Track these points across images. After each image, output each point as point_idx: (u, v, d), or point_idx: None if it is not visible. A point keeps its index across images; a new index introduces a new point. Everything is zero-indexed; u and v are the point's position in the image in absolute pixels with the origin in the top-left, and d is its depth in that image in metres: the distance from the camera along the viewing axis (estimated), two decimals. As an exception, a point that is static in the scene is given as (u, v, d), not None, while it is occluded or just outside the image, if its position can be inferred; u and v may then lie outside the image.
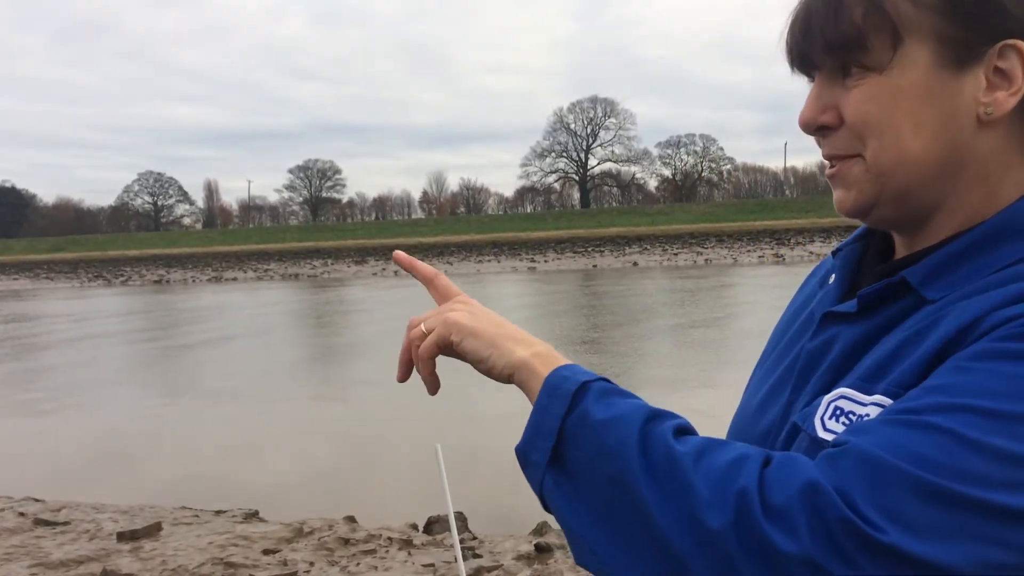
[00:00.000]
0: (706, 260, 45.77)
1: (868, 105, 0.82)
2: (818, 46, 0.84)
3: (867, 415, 0.77)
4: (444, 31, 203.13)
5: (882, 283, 0.85)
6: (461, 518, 6.04)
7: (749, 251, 47.81)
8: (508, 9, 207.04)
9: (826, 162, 0.89)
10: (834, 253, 1.01)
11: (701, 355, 13.76)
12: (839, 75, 0.85)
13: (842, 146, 0.85)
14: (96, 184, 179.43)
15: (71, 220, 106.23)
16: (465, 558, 5.23)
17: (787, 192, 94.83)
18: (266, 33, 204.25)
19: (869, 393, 0.78)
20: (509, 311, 23.91)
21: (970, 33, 0.79)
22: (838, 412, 0.80)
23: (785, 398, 0.92)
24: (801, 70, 0.89)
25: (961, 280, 0.80)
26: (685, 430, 0.77)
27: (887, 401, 0.76)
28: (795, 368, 0.94)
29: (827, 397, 0.82)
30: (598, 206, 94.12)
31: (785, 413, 0.91)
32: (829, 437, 0.78)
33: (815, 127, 0.87)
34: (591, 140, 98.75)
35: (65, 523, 6.54)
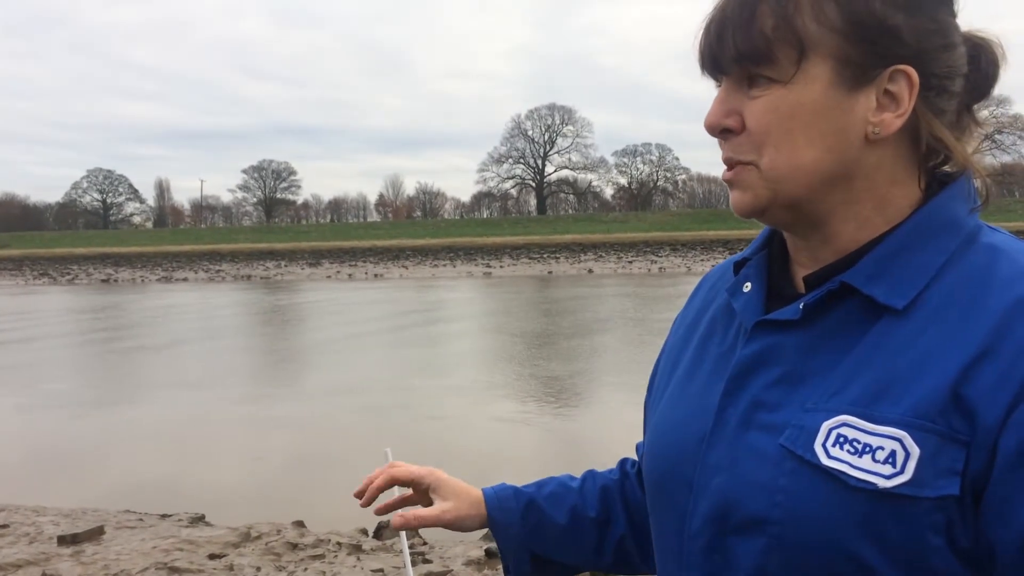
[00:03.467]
0: (660, 268, 46.19)
1: (769, 116, 0.86)
2: (729, 54, 0.87)
3: (880, 447, 0.78)
4: (404, 35, 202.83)
5: (823, 289, 0.87)
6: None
7: (703, 260, 48.33)
8: (469, 15, 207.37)
9: (724, 165, 0.93)
10: (737, 264, 1.04)
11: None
12: (744, 83, 0.88)
13: (741, 151, 0.89)
14: (44, 180, 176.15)
15: (17, 216, 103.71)
16: (415, 563, 5.20)
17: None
18: (223, 31, 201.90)
19: (875, 421, 0.79)
20: (467, 312, 23.88)
21: (866, 56, 0.84)
22: (841, 439, 0.80)
23: (714, 405, 0.92)
24: (711, 74, 0.92)
25: (905, 279, 0.85)
26: None
27: (904, 435, 0.77)
28: (723, 375, 0.94)
29: (827, 423, 0.82)
30: (554, 213, 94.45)
31: (719, 420, 0.91)
32: (835, 465, 0.80)
33: (719, 130, 0.90)
34: (548, 147, 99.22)
35: (4, 526, 6.37)
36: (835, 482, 0.79)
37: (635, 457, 1.29)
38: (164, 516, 6.70)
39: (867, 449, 0.78)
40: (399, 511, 1.19)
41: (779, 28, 0.84)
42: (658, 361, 1.17)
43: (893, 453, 0.77)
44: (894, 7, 0.84)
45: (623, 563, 1.24)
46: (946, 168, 0.92)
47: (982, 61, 0.90)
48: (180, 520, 6.58)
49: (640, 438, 1.25)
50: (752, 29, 0.85)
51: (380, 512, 1.27)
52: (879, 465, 0.78)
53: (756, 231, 1.02)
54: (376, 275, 48.80)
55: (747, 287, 0.98)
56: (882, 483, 0.77)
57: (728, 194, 0.94)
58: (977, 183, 0.93)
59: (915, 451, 0.77)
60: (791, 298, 0.93)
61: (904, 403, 0.79)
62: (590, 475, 1.27)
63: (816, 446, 0.81)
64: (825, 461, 0.80)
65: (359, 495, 1.23)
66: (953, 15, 0.88)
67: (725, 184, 0.94)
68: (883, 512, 0.77)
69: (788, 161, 0.86)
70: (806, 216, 0.90)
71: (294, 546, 5.72)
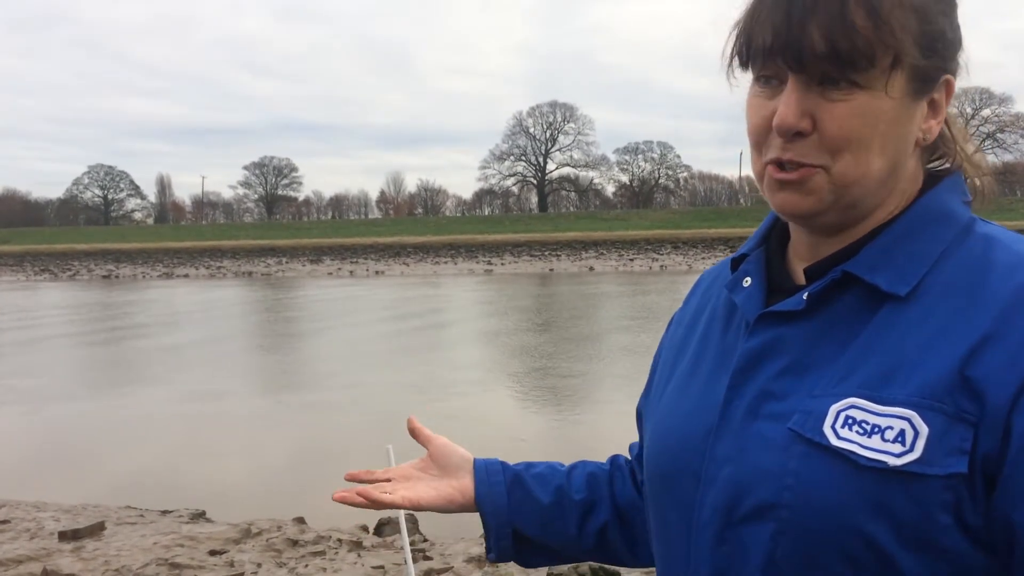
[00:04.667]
0: (661, 266, 46.18)
1: (854, 121, 0.84)
2: (818, 50, 0.82)
3: (890, 426, 0.80)
4: (406, 32, 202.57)
5: (827, 279, 0.89)
6: (412, 520, 6.01)
7: (704, 258, 48.32)
8: (471, 12, 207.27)
9: (784, 163, 0.88)
10: (735, 260, 1.04)
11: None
12: (815, 82, 0.85)
13: (810, 155, 0.86)
14: (45, 176, 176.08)
15: (18, 212, 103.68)
16: (415, 560, 5.21)
17: (741, 201, 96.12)
18: (226, 28, 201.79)
19: (883, 402, 0.81)
20: (466, 310, 23.87)
21: (932, 68, 0.87)
22: (850, 421, 0.82)
23: (720, 398, 0.93)
24: (786, 66, 0.85)
25: (906, 267, 0.87)
26: None
27: (913, 415, 0.79)
28: (728, 369, 0.95)
29: (835, 406, 0.83)
30: (556, 210, 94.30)
31: (726, 412, 0.92)
32: (845, 446, 0.81)
33: (794, 132, 0.85)
34: (550, 144, 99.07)
35: (5, 522, 6.38)
36: (845, 462, 0.80)
37: (626, 455, 1.30)
38: (165, 512, 6.71)
39: (876, 429, 0.80)
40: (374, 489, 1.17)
41: (881, 31, 0.82)
42: (655, 362, 1.18)
43: (902, 432, 0.79)
44: (944, 16, 0.87)
45: (605, 551, 1.25)
46: (941, 165, 0.95)
47: None
48: (181, 516, 6.58)
49: (634, 439, 1.25)
50: (851, 27, 0.81)
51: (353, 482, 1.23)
52: (889, 444, 0.79)
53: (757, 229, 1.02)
54: (377, 272, 48.79)
55: (747, 282, 0.99)
56: (892, 461, 0.78)
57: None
58: (977, 181, 0.96)
59: (924, 430, 0.78)
60: (790, 291, 0.94)
61: (912, 384, 0.80)
62: (580, 463, 1.29)
63: (825, 428, 0.82)
64: (835, 442, 0.81)
65: (354, 479, 1.22)
66: None
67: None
68: (893, 490, 0.78)
69: (862, 168, 0.86)
70: (851, 219, 0.91)
71: (295, 543, 5.73)
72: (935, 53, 0.86)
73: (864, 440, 0.80)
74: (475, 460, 1.25)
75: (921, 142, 0.89)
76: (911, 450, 0.78)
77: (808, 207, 0.88)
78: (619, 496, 1.23)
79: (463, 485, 1.22)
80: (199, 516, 6.61)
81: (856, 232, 0.91)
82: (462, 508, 1.23)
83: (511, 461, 1.26)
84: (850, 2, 0.81)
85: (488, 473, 1.23)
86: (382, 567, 5.25)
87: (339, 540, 5.77)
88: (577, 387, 11.98)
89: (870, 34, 0.81)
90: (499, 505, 1.21)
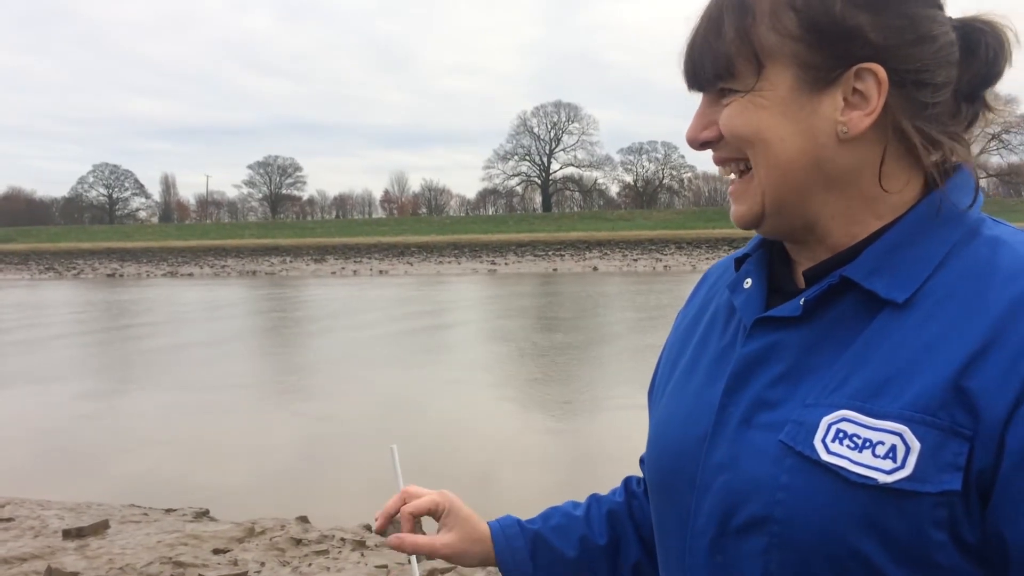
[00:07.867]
0: (665, 267, 46.15)
1: (735, 119, 0.89)
2: (705, 74, 0.91)
3: (881, 441, 0.78)
4: (410, 31, 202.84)
5: (824, 284, 0.87)
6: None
7: (707, 258, 48.27)
8: (474, 11, 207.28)
9: (726, 178, 0.95)
10: (738, 260, 1.03)
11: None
12: (719, 96, 0.91)
13: (729, 152, 0.92)
14: (49, 175, 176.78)
15: (22, 211, 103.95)
16: (419, 559, 5.21)
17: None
18: (229, 26, 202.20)
19: (875, 415, 0.79)
20: (469, 310, 23.89)
21: (827, 58, 0.85)
22: (841, 435, 0.80)
23: (715, 403, 0.92)
24: (698, 90, 0.94)
25: (906, 272, 0.84)
26: None
27: (904, 430, 0.77)
28: (724, 372, 0.93)
29: (826, 419, 0.81)
30: (560, 210, 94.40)
31: (721, 419, 0.91)
32: (835, 461, 0.79)
33: (699, 143, 0.93)
34: (554, 144, 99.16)
35: (9, 520, 6.40)
36: (835, 478, 0.79)
37: (639, 474, 1.26)
38: (168, 511, 6.72)
39: (867, 444, 0.78)
40: (399, 534, 1.19)
41: (736, 43, 0.87)
42: (660, 359, 1.16)
43: (893, 448, 0.77)
44: (856, 7, 0.84)
45: None
46: (954, 161, 0.90)
47: (982, 46, 0.88)
48: (184, 515, 6.59)
49: (643, 450, 1.24)
50: (719, 48, 0.88)
51: (381, 529, 1.26)
52: (879, 460, 0.77)
53: (761, 231, 1.00)
54: (381, 271, 48.82)
55: (747, 283, 0.98)
56: (883, 478, 0.76)
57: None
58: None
59: (916, 445, 0.76)
60: (791, 294, 0.92)
61: (904, 397, 0.78)
62: (594, 500, 1.25)
63: (816, 442, 0.81)
64: (825, 457, 0.80)
65: (380, 531, 1.24)
66: (933, 6, 0.87)
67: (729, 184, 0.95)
68: (885, 508, 0.77)
69: (766, 160, 0.87)
70: (796, 220, 0.90)
71: (298, 542, 5.74)
72: (827, 45, 0.84)
73: (855, 455, 0.78)
74: (490, 524, 1.22)
75: (841, 135, 0.85)
76: (902, 467, 0.76)
77: (744, 214, 0.92)
78: (643, 528, 1.21)
79: (479, 545, 1.21)
80: (203, 515, 6.62)
81: (846, 237, 0.89)
82: (476, 562, 1.21)
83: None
84: (724, 20, 0.88)
85: (507, 538, 1.20)
86: (385, 566, 5.25)
87: (343, 539, 5.78)
88: (579, 388, 11.98)
89: (727, 47, 0.87)
90: (524, 571, 1.19)
